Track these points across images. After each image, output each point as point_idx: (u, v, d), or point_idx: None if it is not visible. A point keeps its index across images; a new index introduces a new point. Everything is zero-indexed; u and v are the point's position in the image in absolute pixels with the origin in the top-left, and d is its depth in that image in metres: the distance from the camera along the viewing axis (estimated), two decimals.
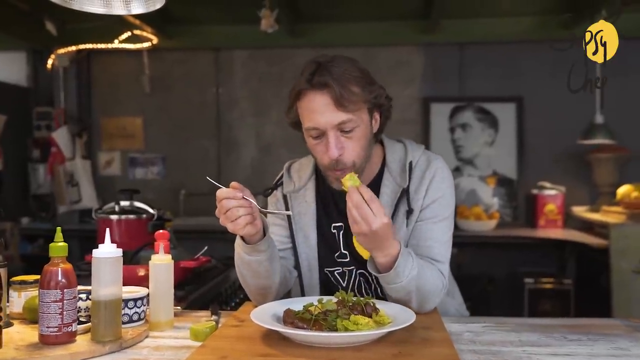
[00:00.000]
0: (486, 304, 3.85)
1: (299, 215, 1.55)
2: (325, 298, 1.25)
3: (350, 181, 1.27)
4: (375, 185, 1.51)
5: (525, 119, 4.41)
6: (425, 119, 4.51)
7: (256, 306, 1.35)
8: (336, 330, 1.13)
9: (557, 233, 4.01)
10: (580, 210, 4.11)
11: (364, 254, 1.50)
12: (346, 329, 1.12)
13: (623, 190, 3.71)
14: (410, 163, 1.50)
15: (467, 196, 4.41)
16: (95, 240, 2.03)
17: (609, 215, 3.66)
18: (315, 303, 1.23)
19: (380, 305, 1.26)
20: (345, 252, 1.53)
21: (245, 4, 3.86)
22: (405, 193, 1.47)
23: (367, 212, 1.22)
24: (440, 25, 4.26)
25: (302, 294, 1.54)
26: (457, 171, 4.44)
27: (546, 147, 4.37)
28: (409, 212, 1.46)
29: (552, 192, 4.20)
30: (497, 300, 3.96)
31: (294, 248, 1.54)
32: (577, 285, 3.78)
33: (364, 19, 4.38)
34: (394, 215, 1.46)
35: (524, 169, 4.42)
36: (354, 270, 1.53)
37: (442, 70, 4.52)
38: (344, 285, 1.54)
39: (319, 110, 1.36)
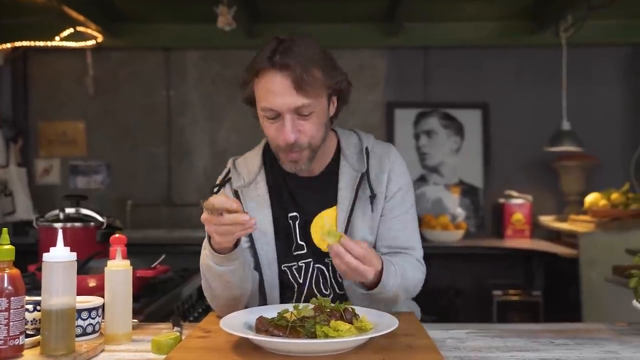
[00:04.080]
0: (454, 317, 3.88)
1: (253, 211, 1.53)
2: (302, 304, 1.22)
3: (330, 238, 1.26)
4: (331, 172, 1.55)
5: (491, 125, 4.51)
6: (389, 125, 4.54)
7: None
8: (315, 337, 1.10)
9: (525, 243, 4.09)
10: (547, 220, 4.21)
11: (323, 246, 1.51)
12: (326, 336, 1.09)
13: (591, 198, 3.82)
14: (367, 148, 1.56)
15: (432, 205, 4.45)
16: (35, 254, 1.93)
17: (577, 224, 3.76)
18: (290, 309, 1.20)
19: (359, 311, 1.24)
20: (302, 243, 1.54)
21: (198, 0, 3.82)
22: (364, 177, 1.52)
23: (364, 270, 1.28)
24: (405, 28, 4.32)
25: (264, 294, 1.53)
26: (422, 180, 4.49)
27: (512, 155, 4.47)
28: (372, 197, 1.50)
29: (519, 201, 4.29)
30: (465, 313, 4.00)
31: (253, 247, 1.53)
32: (546, 297, 3.86)
33: (326, 20, 4.39)
34: (355, 201, 1.50)
35: (490, 177, 4.50)
36: (311, 263, 1.54)
37: (407, 75, 4.57)
38: (301, 281, 1.54)
39: (277, 91, 1.37)
